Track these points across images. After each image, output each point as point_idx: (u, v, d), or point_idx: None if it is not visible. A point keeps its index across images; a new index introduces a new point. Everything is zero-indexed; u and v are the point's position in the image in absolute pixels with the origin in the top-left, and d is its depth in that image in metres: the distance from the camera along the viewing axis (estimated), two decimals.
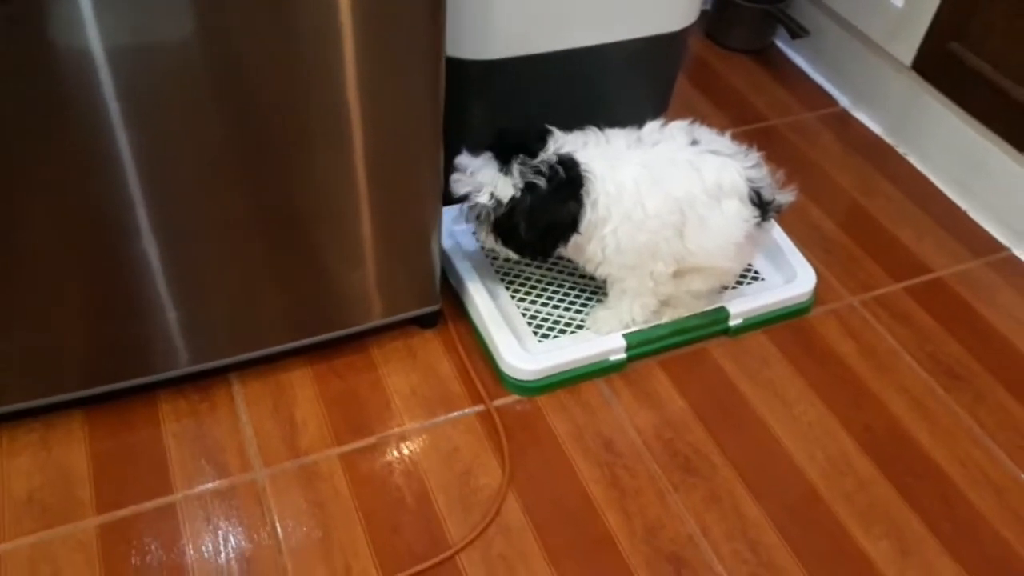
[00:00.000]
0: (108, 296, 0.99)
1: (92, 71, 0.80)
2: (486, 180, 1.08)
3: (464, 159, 1.11)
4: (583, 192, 1.07)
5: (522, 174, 1.07)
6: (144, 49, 0.81)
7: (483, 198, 1.08)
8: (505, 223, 1.10)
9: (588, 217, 1.08)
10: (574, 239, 1.11)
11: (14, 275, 0.93)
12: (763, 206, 1.13)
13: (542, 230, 1.10)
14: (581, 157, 1.08)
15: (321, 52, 0.88)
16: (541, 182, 1.06)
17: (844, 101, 1.80)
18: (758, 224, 1.14)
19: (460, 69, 1.17)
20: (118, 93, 0.82)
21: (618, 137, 1.14)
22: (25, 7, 0.74)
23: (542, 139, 1.09)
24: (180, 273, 1.00)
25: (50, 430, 1.09)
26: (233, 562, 0.99)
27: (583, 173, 1.07)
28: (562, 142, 1.10)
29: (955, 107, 1.54)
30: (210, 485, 1.06)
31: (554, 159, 1.07)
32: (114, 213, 0.91)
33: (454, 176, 1.11)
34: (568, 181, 1.07)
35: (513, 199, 1.07)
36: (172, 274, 1.00)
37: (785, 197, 1.17)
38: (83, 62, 0.79)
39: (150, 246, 0.96)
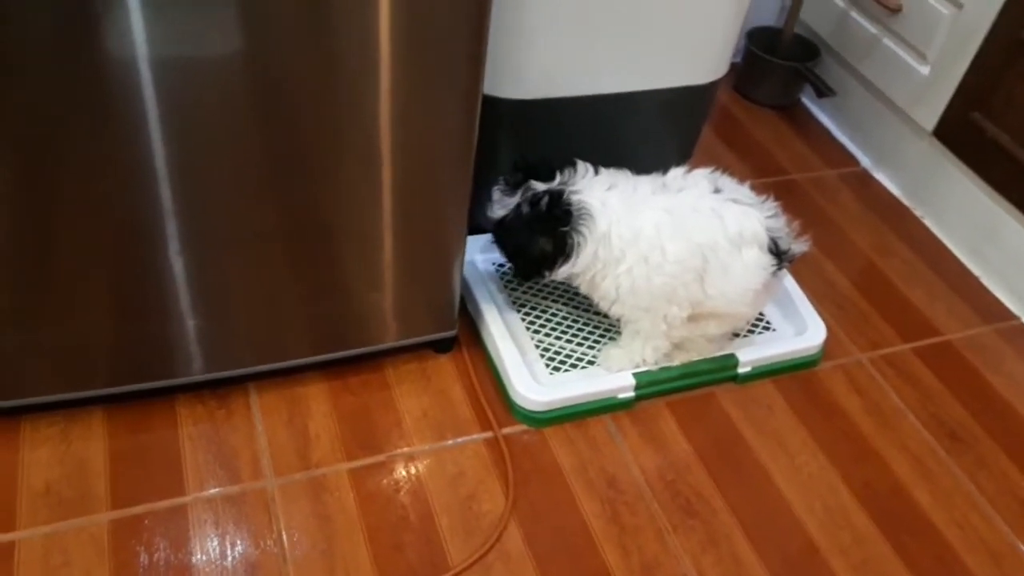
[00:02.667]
0: (134, 300, 1.02)
1: (136, 81, 0.83)
2: (496, 198, 1.16)
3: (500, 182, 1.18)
4: (571, 228, 1.11)
5: (520, 197, 1.13)
6: (188, 63, 0.84)
7: (489, 212, 1.17)
8: (497, 238, 1.19)
9: (593, 252, 1.12)
10: (586, 274, 1.15)
11: (46, 273, 0.96)
12: (780, 255, 1.16)
13: (515, 253, 1.17)
14: (589, 196, 1.12)
15: (359, 79, 0.90)
16: (526, 208, 1.13)
17: (865, 161, 1.83)
18: (774, 272, 1.17)
19: (493, 106, 1.21)
20: (159, 104, 0.85)
21: (644, 182, 1.17)
22: (77, 14, 0.77)
23: (551, 170, 1.14)
24: (205, 283, 1.03)
25: (71, 424, 1.12)
26: (238, 567, 1.01)
27: (572, 210, 1.11)
28: (583, 179, 1.15)
29: (973, 175, 1.57)
30: (221, 490, 1.08)
31: (544, 191, 1.12)
32: (145, 218, 0.94)
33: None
34: (547, 215, 1.11)
35: (503, 218, 1.15)
36: (197, 283, 1.03)
37: (800, 247, 1.20)
38: (128, 71, 0.82)
39: (177, 253, 0.99)
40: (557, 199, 1.12)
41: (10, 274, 0.95)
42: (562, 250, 1.12)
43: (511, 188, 1.16)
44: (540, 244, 1.13)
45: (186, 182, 0.93)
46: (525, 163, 1.17)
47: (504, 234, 1.17)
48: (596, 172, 1.16)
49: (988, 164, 1.54)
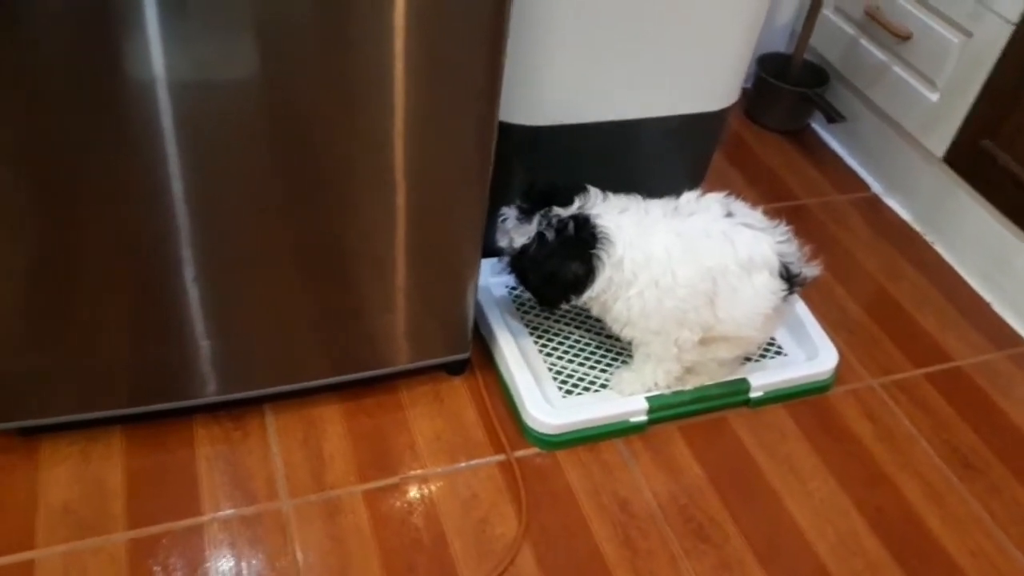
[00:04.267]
0: (152, 322, 1.03)
1: (154, 106, 0.84)
2: (510, 226, 1.16)
3: (507, 210, 1.18)
4: (596, 252, 1.12)
5: (539, 224, 1.13)
6: (206, 88, 0.85)
7: (504, 242, 1.17)
8: (518, 268, 1.18)
9: (608, 276, 1.13)
10: (600, 298, 1.16)
11: (66, 296, 0.97)
12: (791, 279, 1.17)
13: (544, 281, 1.17)
14: (607, 220, 1.13)
15: (375, 105, 0.91)
16: (551, 235, 1.13)
17: (876, 187, 1.84)
18: (784, 297, 1.18)
19: (506, 132, 1.22)
20: (176, 129, 0.86)
21: (655, 206, 1.18)
22: (97, 41, 0.78)
23: (569, 195, 1.15)
24: (221, 305, 1.05)
25: (90, 444, 1.14)
26: None
27: (598, 234, 1.12)
28: (597, 203, 1.16)
29: (984, 201, 1.58)
30: (237, 510, 1.09)
31: (568, 216, 1.13)
32: (161, 240, 0.95)
33: (499, 223, 1.19)
34: (576, 239, 1.12)
35: (524, 247, 1.14)
36: (213, 306, 1.04)
37: (811, 271, 1.20)
38: (147, 97, 0.83)
39: (193, 278, 1.00)
40: (583, 223, 1.12)
41: (30, 296, 0.96)
42: (590, 273, 1.13)
43: (526, 215, 1.16)
44: (572, 269, 1.13)
45: (203, 205, 0.94)
46: (537, 190, 1.18)
47: (528, 262, 1.16)
48: (606, 197, 1.18)
49: (998, 191, 1.55)
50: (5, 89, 0.79)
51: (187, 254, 0.98)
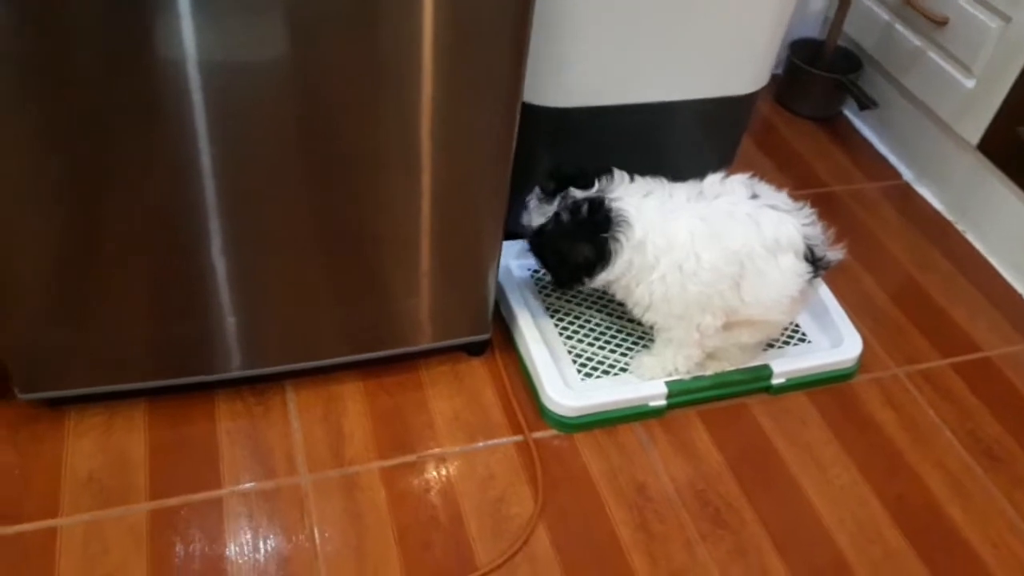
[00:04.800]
0: (178, 297, 1.05)
1: (185, 84, 0.85)
2: (532, 206, 1.18)
3: (535, 193, 1.19)
4: (612, 234, 1.12)
5: (559, 205, 1.14)
6: (235, 67, 0.86)
7: (524, 220, 1.18)
8: (535, 247, 1.20)
9: (628, 259, 1.13)
10: (621, 280, 1.16)
11: (95, 270, 0.99)
12: (815, 262, 1.16)
13: (557, 261, 1.17)
14: (627, 203, 1.13)
15: (403, 85, 0.92)
16: (566, 216, 1.13)
17: (907, 175, 1.81)
18: (809, 280, 1.17)
19: (533, 114, 1.22)
20: (207, 107, 0.87)
21: (680, 189, 1.18)
22: (130, 20, 0.80)
23: (589, 178, 1.16)
24: (246, 282, 1.06)
25: (114, 416, 1.16)
26: (271, 561, 1.03)
27: (613, 216, 1.12)
28: (621, 186, 1.15)
29: (1018, 190, 1.55)
30: (256, 484, 1.11)
31: (584, 198, 1.13)
32: (189, 218, 0.97)
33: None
34: (588, 221, 1.12)
35: (541, 227, 1.15)
36: (239, 282, 1.05)
37: (835, 255, 1.19)
38: (178, 75, 0.84)
39: (219, 252, 1.01)
40: (598, 206, 1.13)
41: (61, 270, 0.98)
42: (602, 257, 1.13)
43: (548, 196, 1.17)
44: (582, 251, 1.13)
45: (230, 183, 0.95)
46: (561, 172, 1.18)
47: (543, 242, 1.18)
48: (632, 179, 1.17)
49: None
50: (39, 66, 0.81)
51: (214, 229, 0.99)
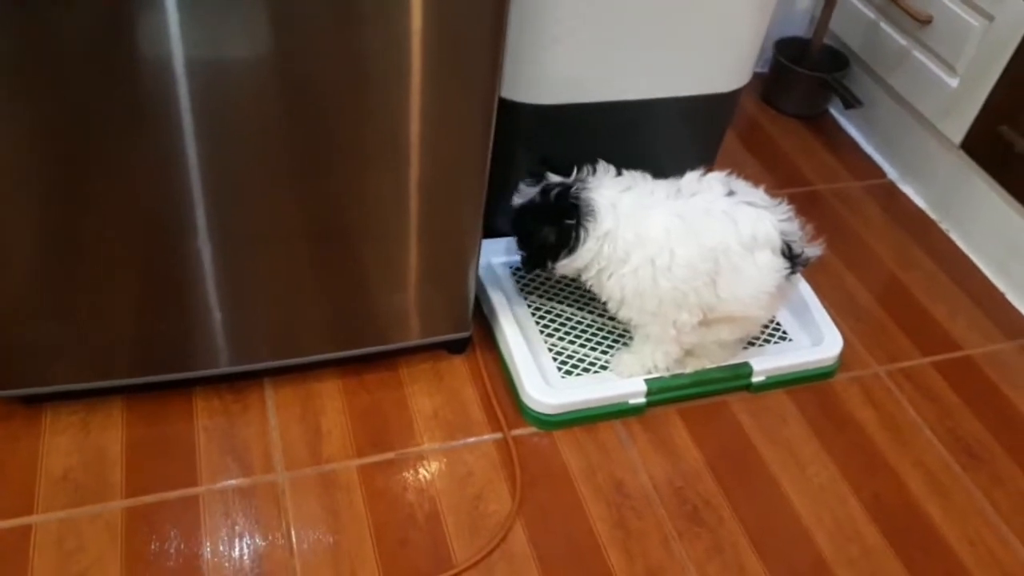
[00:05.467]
0: (159, 292, 1.04)
1: (171, 78, 0.85)
2: (520, 189, 1.21)
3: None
4: (578, 223, 1.14)
5: (538, 190, 1.18)
6: (220, 63, 0.86)
7: (511, 200, 1.21)
8: (514, 224, 1.23)
9: (594, 249, 1.14)
10: (590, 270, 1.17)
11: (76, 263, 0.98)
12: (793, 259, 1.16)
13: (526, 240, 1.21)
14: (599, 195, 1.15)
15: (389, 80, 0.92)
16: (539, 199, 1.17)
17: (892, 173, 1.81)
18: (787, 276, 1.17)
19: (514, 111, 1.22)
20: (192, 102, 0.87)
21: (661, 186, 1.18)
22: (115, 16, 0.80)
23: (568, 168, 1.18)
24: (229, 277, 1.06)
25: (91, 413, 1.15)
26: (246, 558, 1.03)
27: (581, 205, 1.14)
28: (601, 179, 1.17)
29: (1000, 189, 1.55)
30: (233, 482, 1.10)
31: (556, 184, 1.17)
32: (175, 214, 0.96)
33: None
34: (556, 207, 1.15)
35: (521, 206, 1.19)
36: (221, 277, 1.05)
37: (813, 251, 1.19)
38: (164, 69, 0.84)
39: (204, 248, 1.01)
40: (564, 192, 1.15)
41: (41, 265, 0.97)
42: (565, 242, 1.15)
43: (534, 180, 1.20)
44: (545, 233, 1.16)
45: (215, 179, 0.95)
46: (549, 160, 1.21)
47: (518, 219, 1.22)
48: (618, 173, 1.18)
49: (1016, 178, 1.52)
50: (26, 64, 0.80)
51: (200, 224, 0.99)
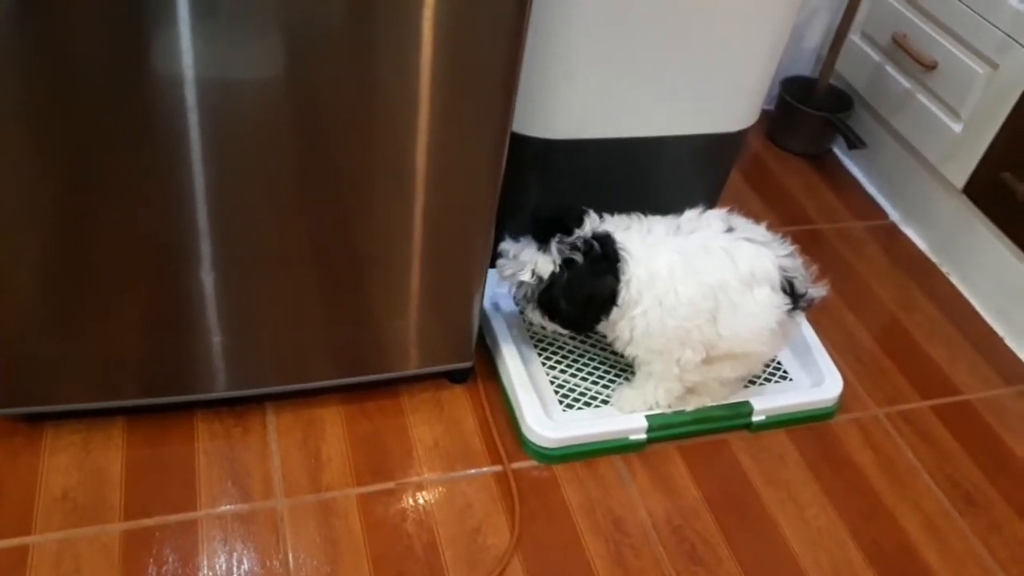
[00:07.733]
0: (163, 315, 1.04)
1: (181, 102, 0.85)
2: (527, 259, 1.15)
3: (507, 244, 1.18)
4: (619, 267, 1.12)
5: (560, 251, 1.13)
6: (232, 86, 0.86)
7: (526, 276, 1.15)
8: (547, 298, 1.15)
9: (623, 295, 1.13)
10: (610, 316, 1.15)
11: (81, 284, 0.99)
12: (794, 296, 1.16)
13: (581, 303, 1.15)
14: (619, 237, 1.13)
15: (399, 109, 0.92)
16: (578, 257, 1.12)
17: (894, 215, 1.83)
18: (789, 312, 1.17)
19: (522, 144, 1.23)
20: (201, 126, 0.88)
21: (658, 224, 1.18)
22: (128, 37, 0.80)
23: (579, 218, 1.15)
24: (233, 301, 1.06)
25: (93, 433, 1.15)
26: None
27: (619, 250, 1.12)
28: (602, 223, 1.16)
29: (1002, 235, 1.57)
30: (232, 507, 1.10)
31: (590, 236, 1.13)
32: (180, 238, 0.97)
33: (499, 261, 1.18)
34: (604, 256, 1.12)
35: (553, 275, 1.13)
36: (226, 302, 1.05)
37: (817, 291, 1.19)
38: (174, 94, 0.84)
39: (208, 273, 1.01)
40: (606, 239, 1.13)
41: (46, 285, 0.98)
42: (615, 295, 1.12)
43: (543, 244, 1.15)
44: (608, 284, 1.12)
45: (222, 204, 0.95)
46: (545, 218, 1.16)
47: (562, 290, 1.14)
48: (602, 218, 1.18)
49: (1017, 225, 1.54)
50: (35, 84, 0.81)
51: (205, 249, 0.99)
